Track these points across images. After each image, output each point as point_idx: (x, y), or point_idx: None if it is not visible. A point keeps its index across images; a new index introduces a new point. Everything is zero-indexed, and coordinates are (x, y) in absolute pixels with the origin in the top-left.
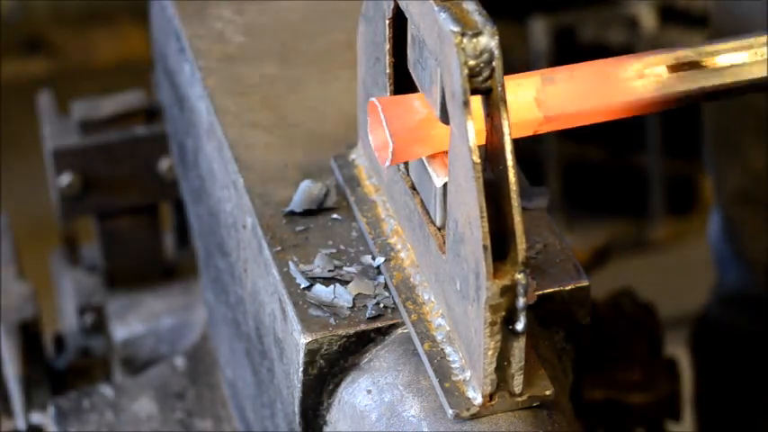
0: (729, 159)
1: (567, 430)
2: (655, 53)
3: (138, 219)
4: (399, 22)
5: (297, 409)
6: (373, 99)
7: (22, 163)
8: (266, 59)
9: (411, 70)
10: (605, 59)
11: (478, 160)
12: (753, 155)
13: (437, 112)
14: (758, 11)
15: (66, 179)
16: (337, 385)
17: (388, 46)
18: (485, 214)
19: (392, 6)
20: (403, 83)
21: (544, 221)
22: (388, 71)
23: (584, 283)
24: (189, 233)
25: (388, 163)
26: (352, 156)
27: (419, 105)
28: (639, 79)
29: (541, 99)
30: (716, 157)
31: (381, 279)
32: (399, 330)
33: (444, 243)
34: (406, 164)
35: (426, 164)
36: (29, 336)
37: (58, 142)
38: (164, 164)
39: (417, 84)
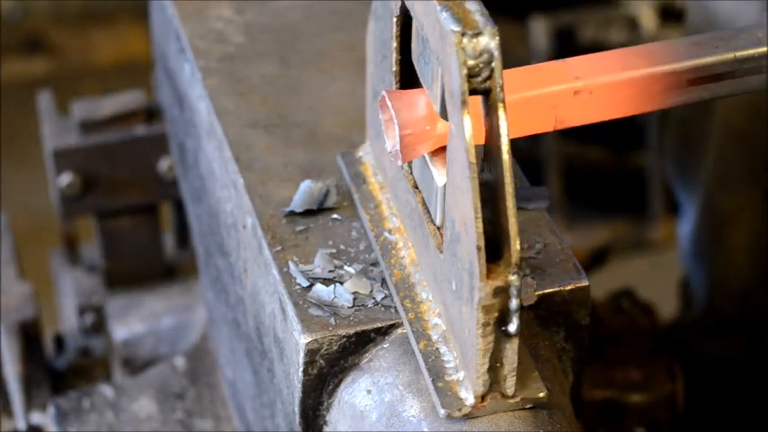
0: (694, 167)
1: (566, 430)
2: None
3: (138, 219)
4: (406, 20)
5: (297, 409)
6: (384, 95)
7: (22, 163)
8: (266, 59)
9: (415, 63)
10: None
11: (474, 160)
12: (716, 167)
13: (437, 108)
14: (732, 8)
15: (66, 179)
16: (337, 385)
17: (394, 44)
18: (479, 215)
19: (399, 5)
20: (409, 80)
21: (544, 221)
22: (394, 69)
23: (584, 283)
24: (189, 233)
25: (399, 162)
26: (360, 153)
27: (424, 101)
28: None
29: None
30: (680, 163)
31: (381, 279)
32: (399, 330)
33: (442, 242)
34: (409, 162)
35: (429, 162)
36: (29, 336)
37: (58, 142)
38: (164, 164)
39: (420, 77)
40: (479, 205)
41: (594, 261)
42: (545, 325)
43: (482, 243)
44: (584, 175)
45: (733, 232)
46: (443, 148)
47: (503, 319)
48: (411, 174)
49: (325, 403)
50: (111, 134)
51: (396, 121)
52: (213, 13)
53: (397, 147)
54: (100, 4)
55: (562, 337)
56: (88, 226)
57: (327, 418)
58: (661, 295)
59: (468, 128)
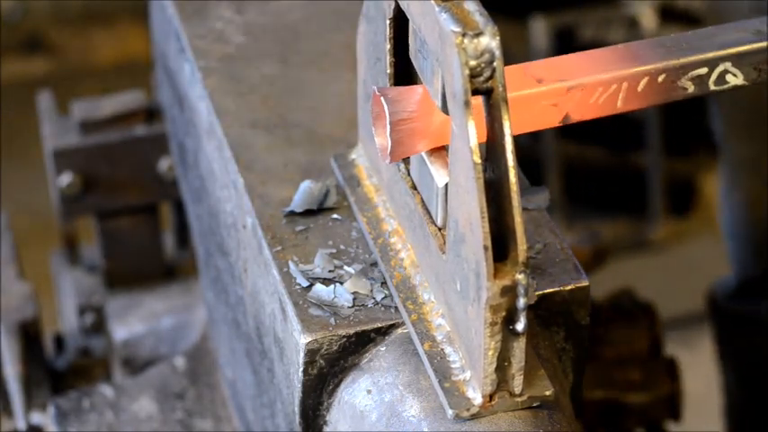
0: (742, 131)
1: (567, 430)
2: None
3: (138, 219)
4: (400, 22)
5: (297, 409)
6: (376, 91)
7: (22, 163)
8: (266, 59)
9: (412, 59)
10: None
11: (479, 161)
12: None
13: (438, 104)
14: (746, 9)
15: (66, 179)
16: (337, 385)
17: (388, 46)
18: (485, 215)
19: (393, 6)
20: (403, 83)
21: (544, 221)
22: (388, 71)
23: (584, 283)
24: (189, 233)
25: (388, 161)
26: (353, 155)
27: (420, 98)
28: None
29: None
30: (727, 127)
31: (381, 279)
32: (399, 330)
33: (445, 243)
34: (406, 164)
35: (428, 163)
36: (29, 336)
37: (58, 142)
38: (164, 164)
39: (419, 73)
40: (485, 205)
41: (594, 261)
42: (545, 325)
43: (489, 243)
44: (585, 175)
45: (755, 181)
46: (442, 148)
47: (510, 318)
48: (409, 175)
49: (325, 403)
50: (111, 134)
51: (387, 117)
52: (213, 13)
53: (388, 144)
54: (100, 4)
55: (562, 337)
56: (88, 226)
57: (327, 418)
58: (661, 295)
59: (472, 129)
